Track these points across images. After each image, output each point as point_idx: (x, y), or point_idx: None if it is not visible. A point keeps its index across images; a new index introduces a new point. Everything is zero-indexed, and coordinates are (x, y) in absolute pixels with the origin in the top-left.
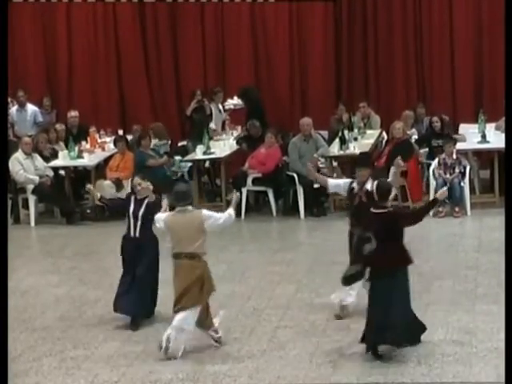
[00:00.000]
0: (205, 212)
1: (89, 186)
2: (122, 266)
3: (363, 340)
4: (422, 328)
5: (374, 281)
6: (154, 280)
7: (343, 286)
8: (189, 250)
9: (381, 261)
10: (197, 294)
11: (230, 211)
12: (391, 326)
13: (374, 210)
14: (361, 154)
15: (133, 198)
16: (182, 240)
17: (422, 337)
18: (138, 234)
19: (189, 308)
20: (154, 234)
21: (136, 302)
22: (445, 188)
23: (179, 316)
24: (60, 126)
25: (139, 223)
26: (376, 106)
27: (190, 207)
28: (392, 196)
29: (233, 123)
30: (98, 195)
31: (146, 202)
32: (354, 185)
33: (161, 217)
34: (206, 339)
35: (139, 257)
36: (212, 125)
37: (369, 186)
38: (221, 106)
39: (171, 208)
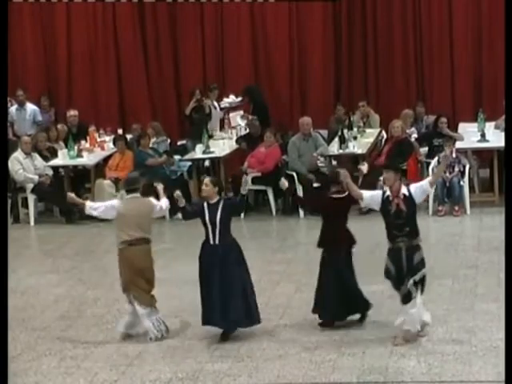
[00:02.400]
0: (153, 201)
1: (178, 193)
2: (202, 276)
3: (320, 314)
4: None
5: (331, 259)
6: (250, 284)
7: (404, 305)
8: (144, 235)
9: (339, 241)
10: (152, 277)
11: (166, 201)
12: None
13: (334, 196)
14: (400, 140)
15: (206, 204)
16: (137, 226)
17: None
18: (217, 241)
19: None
20: (234, 238)
21: (240, 310)
22: (365, 165)
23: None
24: (62, 127)
25: (217, 229)
26: (375, 105)
27: (138, 194)
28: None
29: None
30: (184, 201)
31: (220, 205)
32: (388, 192)
33: (112, 203)
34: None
35: (225, 264)
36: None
37: (405, 190)
38: (216, 103)
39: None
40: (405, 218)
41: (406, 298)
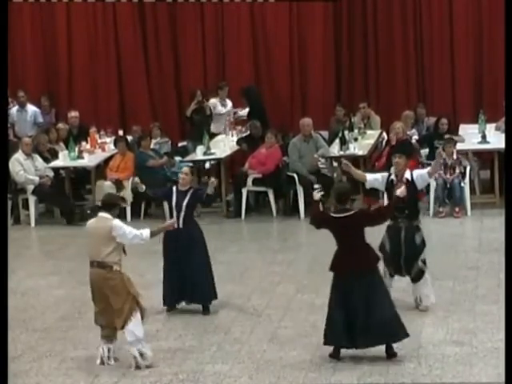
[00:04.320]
0: (116, 223)
1: (136, 179)
2: (165, 257)
3: (331, 343)
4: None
5: (344, 283)
6: (210, 267)
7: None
8: (98, 258)
9: (349, 263)
10: (129, 302)
11: (145, 232)
12: (373, 327)
13: (335, 215)
14: (401, 141)
15: (175, 189)
16: (92, 247)
17: (423, 336)
18: (181, 225)
19: (130, 319)
20: (196, 222)
21: (205, 288)
22: (403, 187)
23: (129, 329)
24: (64, 125)
25: (182, 214)
26: (376, 106)
27: (107, 215)
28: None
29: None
30: (143, 187)
31: (190, 192)
32: (393, 176)
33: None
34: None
35: (189, 246)
36: (212, 126)
37: (408, 175)
38: (228, 100)
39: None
40: (405, 201)
41: (418, 276)
